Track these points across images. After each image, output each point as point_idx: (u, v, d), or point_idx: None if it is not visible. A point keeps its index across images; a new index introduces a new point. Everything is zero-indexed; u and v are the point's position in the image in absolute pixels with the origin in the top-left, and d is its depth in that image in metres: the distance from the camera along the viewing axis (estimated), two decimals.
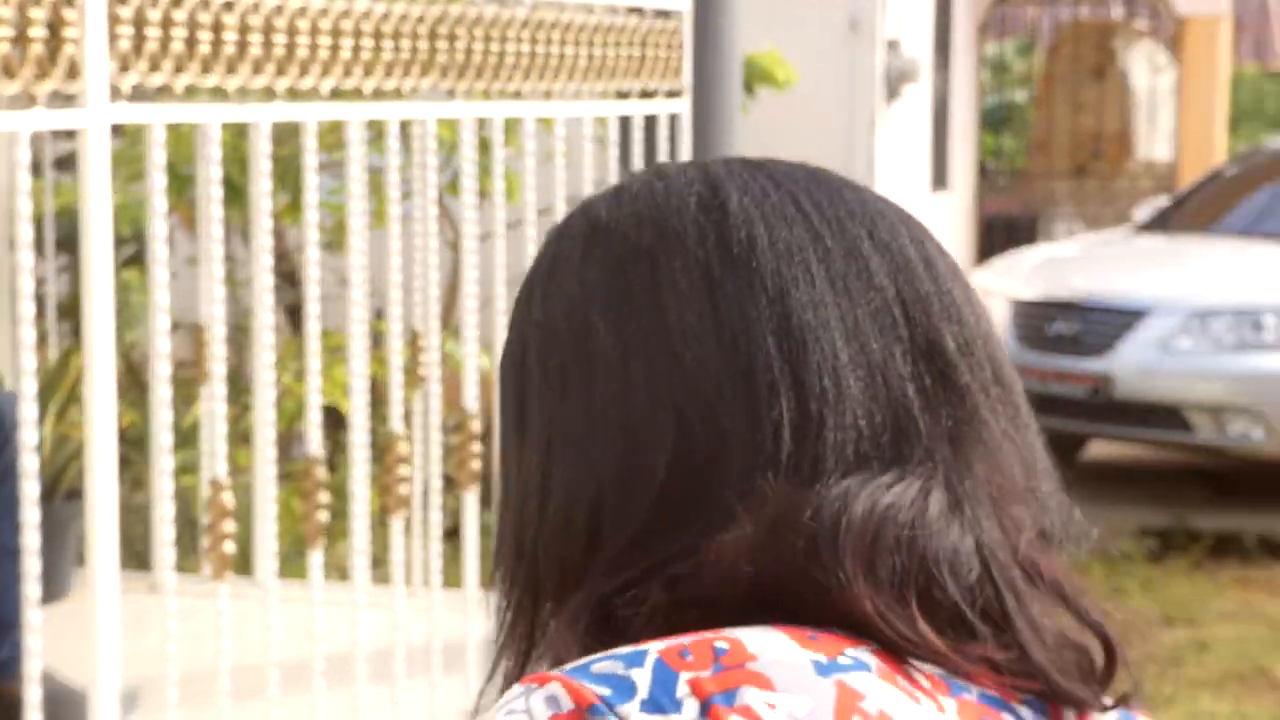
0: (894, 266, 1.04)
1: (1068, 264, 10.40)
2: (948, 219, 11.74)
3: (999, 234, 12.89)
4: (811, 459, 0.99)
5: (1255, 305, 9.27)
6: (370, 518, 3.70)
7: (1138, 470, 10.10)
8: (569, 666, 0.95)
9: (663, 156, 4.51)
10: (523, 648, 1.06)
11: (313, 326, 3.49)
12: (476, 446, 3.95)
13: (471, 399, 3.99)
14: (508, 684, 1.04)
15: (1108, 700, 1.00)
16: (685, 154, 4.57)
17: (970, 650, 0.96)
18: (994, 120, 15.67)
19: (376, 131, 3.96)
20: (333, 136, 4.81)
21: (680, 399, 1.01)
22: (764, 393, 1.00)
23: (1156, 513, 9.08)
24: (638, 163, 4.47)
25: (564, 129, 4.20)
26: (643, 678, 0.93)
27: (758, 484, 0.98)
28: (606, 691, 0.93)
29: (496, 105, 3.92)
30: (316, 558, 3.48)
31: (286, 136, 4.70)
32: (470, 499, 3.98)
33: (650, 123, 4.49)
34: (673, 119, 4.54)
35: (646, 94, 4.44)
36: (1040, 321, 9.55)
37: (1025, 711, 0.98)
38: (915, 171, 10.63)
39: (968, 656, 0.96)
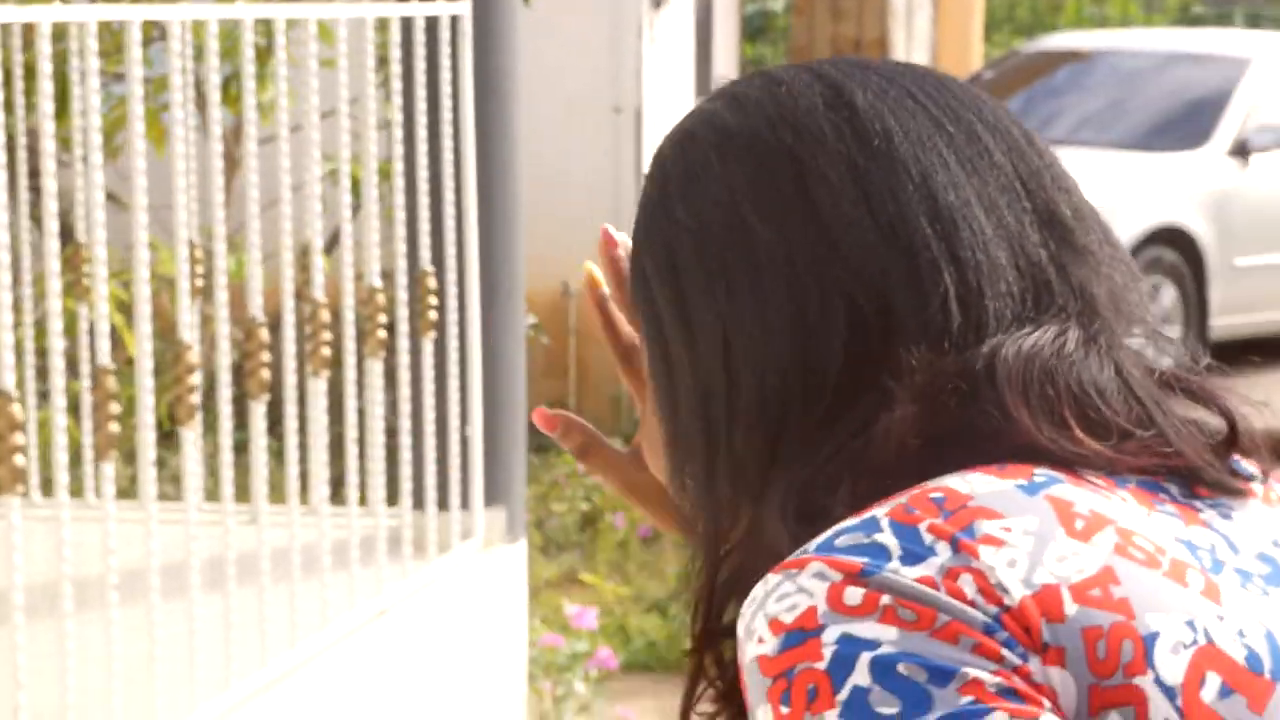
0: (1007, 146, 1.14)
1: None
2: None
3: None
4: (976, 327, 1.09)
5: None
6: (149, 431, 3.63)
7: None
8: (811, 547, 1.03)
9: (444, 59, 4.46)
10: (718, 541, 1.13)
11: (98, 234, 3.41)
12: (265, 356, 3.89)
13: (257, 308, 3.92)
14: (711, 576, 1.13)
15: (1252, 471, 1.12)
16: (467, 57, 4.52)
17: (1127, 449, 1.07)
18: (752, 29, 15.72)
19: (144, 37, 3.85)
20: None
21: (849, 285, 1.09)
22: (927, 270, 1.09)
23: None
24: (420, 65, 4.41)
25: (345, 31, 4.13)
26: (887, 539, 1.01)
27: (915, 357, 1.07)
28: (865, 559, 1.01)
29: (279, 7, 3.85)
30: (108, 470, 3.41)
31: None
32: (259, 410, 3.92)
33: (432, 25, 4.43)
34: (454, 21, 4.49)
35: None
36: None
37: (1172, 487, 1.09)
38: (680, 80, 10.64)
39: (1125, 454, 1.07)
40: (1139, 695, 0.98)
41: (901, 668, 0.97)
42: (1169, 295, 9.69)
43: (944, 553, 1.00)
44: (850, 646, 0.98)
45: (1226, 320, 9.99)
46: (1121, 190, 9.68)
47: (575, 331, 9.41)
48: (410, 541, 4.52)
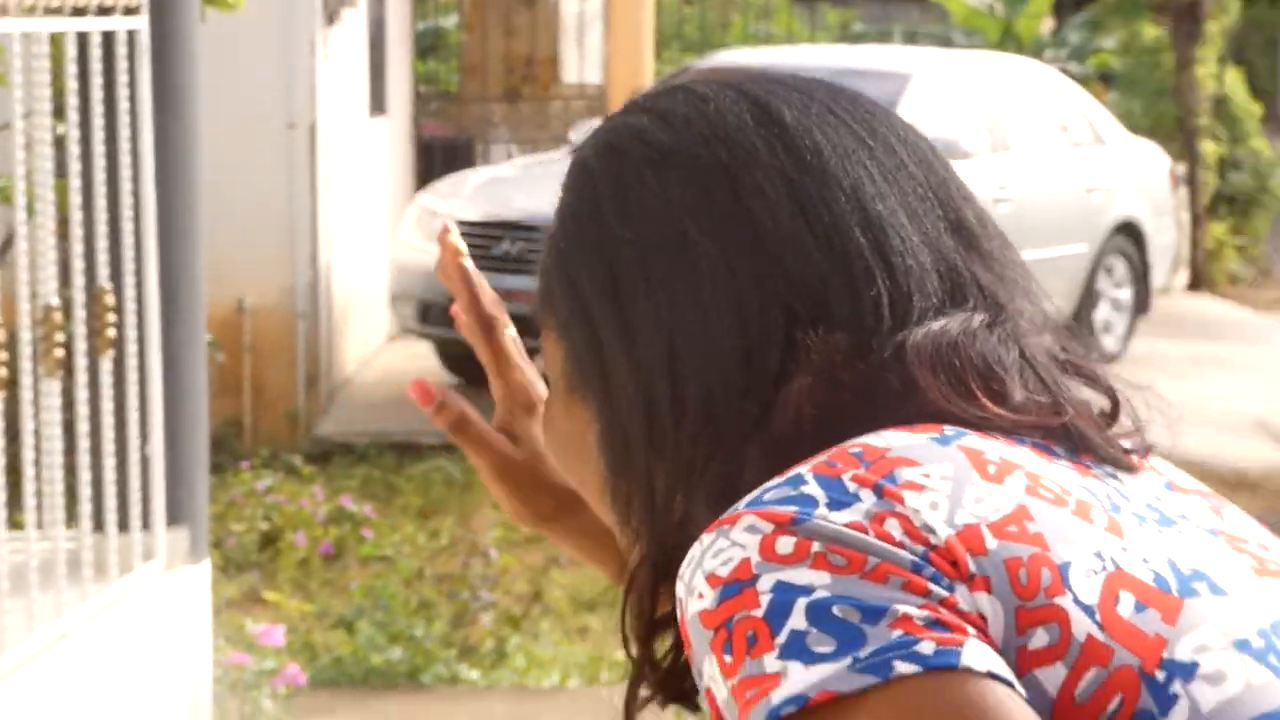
0: (917, 158, 1.20)
1: (509, 185, 10.53)
2: (387, 144, 11.75)
3: (438, 158, 12.96)
4: (901, 327, 1.14)
5: None
6: None
7: None
8: (741, 504, 1.07)
9: (122, 74, 4.40)
10: (658, 529, 1.17)
11: None
12: None
13: None
14: (653, 570, 1.16)
15: (1131, 447, 1.18)
16: (145, 72, 4.47)
17: (1027, 413, 1.14)
18: (423, 45, 15.72)
19: None
20: None
21: (788, 296, 1.14)
22: (862, 277, 1.15)
23: None
24: (97, 81, 4.35)
25: (20, 46, 4.05)
26: (813, 489, 1.06)
27: (810, 340, 1.13)
28: (794, 508, 1.05)
29: None
30: None
31: None
32: None
33: (108, 40, 4.37)
34: (131, 36, 4.43)
35: (104, 10, 4.32)
36: (486, 242, 9.66)
37: (1059, 449, 1.15)
38: (355, 96, 10.60)
39: (1025, 417, 1.14)
40: (1061, 613, 1.04)
41: (836, 610, 1.02)
42: None
43: (869, 499, 1.05)
44: (785, 594, 1.03)
45: None
46: None
47: (250, 348, 9.31)
48: (90, 564, 4.44)
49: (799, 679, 1.01)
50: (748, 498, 1.07)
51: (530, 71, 14.44)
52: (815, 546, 1.04)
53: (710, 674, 1.04)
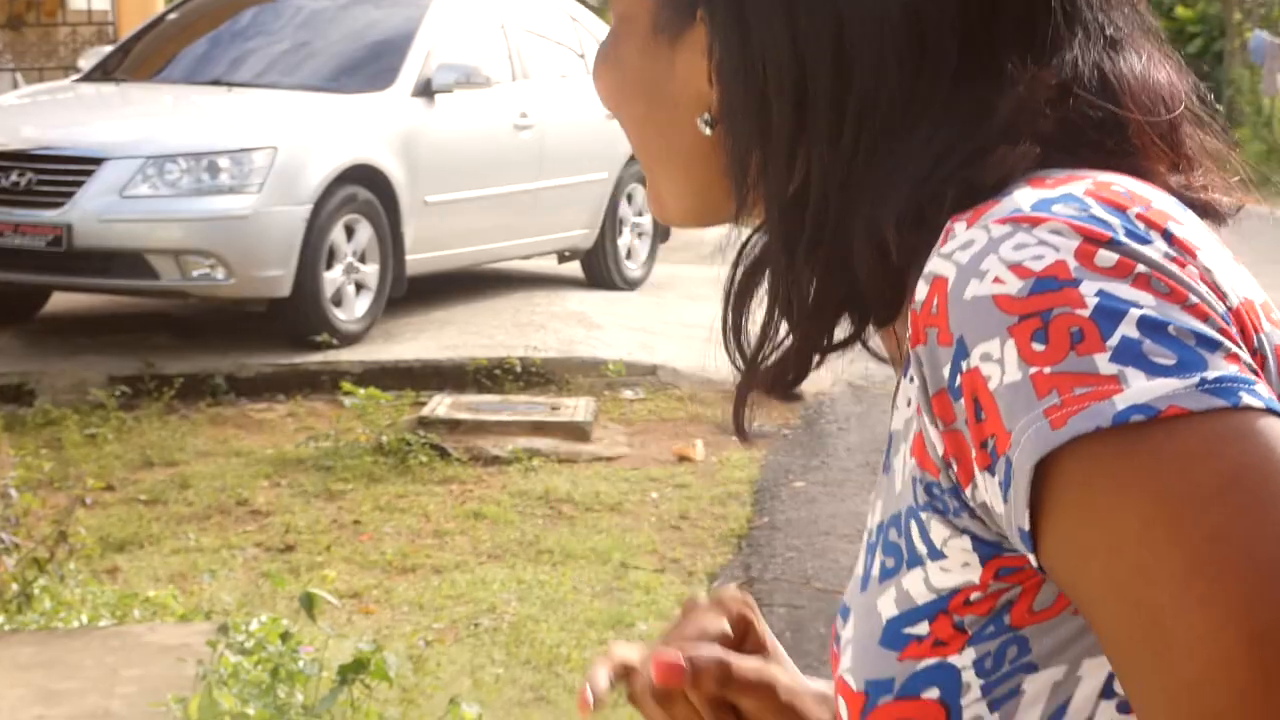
0: None
1: (17, 114, 10.15)
2: None
3: None
4: (1071, 32, 1.11)
5: (209, 149, 9.36)
6: None
7: (104, 319, 10.06)
8: (1026, 206, 1.03)
9: None
10: (792, 208, 1.12)
11: None
12: None
13: None
14: (785, 240, 1.12)
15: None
16: None
17: (1211, 199, 1.13)
18: None
19: None
20: None
21: None
22: None
23: (125, 360, 9.07)
24: None
25: None
26: (1104, 215, 1.02)
27: (1015, 68, 1.09)
28: (1103, 228, 1.02)
29: None
30: None
31: None
32: None
33: None
34: None
35: None
36: None
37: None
38: None
39: (1209, 204, 1.13)
40: None
41: (1171, 329, 0.99)
42: (365, 233, 9.83)
43: (1161, 242, 1.02)
44: (1113, 301, 1.00)
45: (420, 255, 10.22)
46: (312, 131, 9.74)
47: None
48: None
49: (1143, 388, 0.98)
50: (1027, 201, 1.04)
51: None
52: (1140, 268, 1.01)
53: (990, 354, 1.00)
